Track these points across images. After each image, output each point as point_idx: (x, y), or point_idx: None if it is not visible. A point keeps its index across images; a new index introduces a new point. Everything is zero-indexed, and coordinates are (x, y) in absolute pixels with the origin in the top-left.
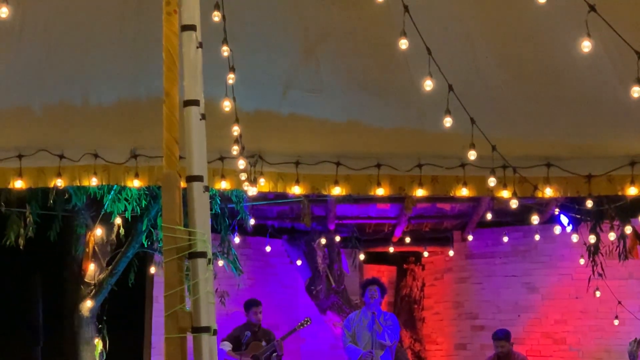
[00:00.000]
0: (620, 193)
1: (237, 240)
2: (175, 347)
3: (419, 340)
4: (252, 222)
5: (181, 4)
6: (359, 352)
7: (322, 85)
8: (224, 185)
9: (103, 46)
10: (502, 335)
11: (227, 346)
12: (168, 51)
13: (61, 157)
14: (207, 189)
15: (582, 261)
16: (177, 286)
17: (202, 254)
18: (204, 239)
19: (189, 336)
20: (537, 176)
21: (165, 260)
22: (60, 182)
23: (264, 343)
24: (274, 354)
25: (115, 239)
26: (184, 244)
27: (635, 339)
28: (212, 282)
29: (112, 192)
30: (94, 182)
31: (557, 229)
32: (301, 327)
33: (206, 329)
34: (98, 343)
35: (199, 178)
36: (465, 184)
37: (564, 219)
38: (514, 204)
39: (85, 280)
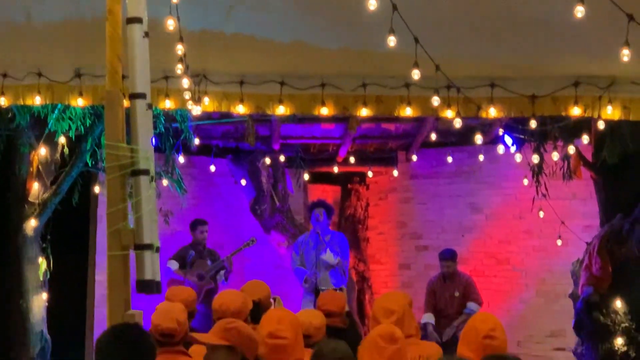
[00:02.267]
0: (564, 113)
1: (181, 159)
2: (118, 264)
3: (363, 260)
4: (196, 141)
5: None
6: (305, 273)
7: (267, 5)
8: (168, 104)
9: None
10: (448, 256)
11: (173, 265)
12: None
13: (4, 75)
14: (150, 106)
15: (525, 181)
16: (120, 203)
17: (145, 172)
18: (146, 156)
19: (132, 253)
20: (481, 96)
21: (107, 177)
22: (3, 101)
23: (209, 262)
24: (221, 272)
25: (59, 158)
26: (127, 161)
27: (578, 259)
28: (155, 199)
29: (56, 111)
30: (37, 101)
31: (501, 149)
32: (247, 246)
33: (149, 247)
34: (42, 262)
35: (142, 95)
36: (409, 104)
37: (507, 140)
38: (457, 123)
39: (29, 199)
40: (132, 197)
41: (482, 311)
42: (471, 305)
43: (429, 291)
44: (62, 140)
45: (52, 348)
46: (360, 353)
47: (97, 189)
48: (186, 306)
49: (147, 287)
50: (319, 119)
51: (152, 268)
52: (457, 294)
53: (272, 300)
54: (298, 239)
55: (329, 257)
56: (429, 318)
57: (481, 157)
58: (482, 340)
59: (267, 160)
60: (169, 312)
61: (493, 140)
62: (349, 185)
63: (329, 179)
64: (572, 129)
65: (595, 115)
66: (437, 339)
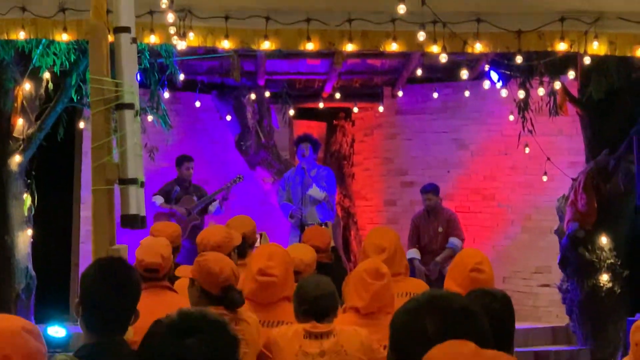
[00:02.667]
0: (549, 49)
1: (166, 95)
2: (103, 199)
3: (348, 196)
4: (181, 77)
5: None
6: (290, 208)
7: None
8: (153, 39)
9: None
10: (429, 189)
11: (158, 200)
12: None
13: None
14: (134, 40)
15: (511, 117)
16: (105, 138)
17: (130, 106)
18: (131, 90)
19: (117, 188)
20: (467, 31)
21: (92, 111)
22: None
23: (195, 198)
24: (213, 203)
25: (44, 93)
26: (111, 95)
27: (564, 195)
28: (139, 134)
29: (41, 46)
30: (21, 35)
31: (487, 85)
32: (234, 183)
33: (133, 181)
34: (27, 198)
35: (127, 29)
36: (395, 39)
37: (493, 75)
38: (443, 58)
39: (14, 135)
40: (116, 131)
41: (467, 247)
42: (454, 240)
43: (413, 226)
44: (46, 75)
45: (37, 284)
46: (346, 289)
47: (81, 125)
48: (171, 241)
49: (131, 221)
50: (304, 55)
51: (136, 203)
52: (440, 229)
53: (257, 236)
54: (285, 174)
55: (315, 191)
56: (414, 254)
57: (467, 93)
58: (469, 274)
59: (252, 96)
60: (153, 247)
61: (479, 76)
62: (335, 121)
63: (314, 114)
64: (558, 65)
65: (582, 51)
66: (425, 272)
